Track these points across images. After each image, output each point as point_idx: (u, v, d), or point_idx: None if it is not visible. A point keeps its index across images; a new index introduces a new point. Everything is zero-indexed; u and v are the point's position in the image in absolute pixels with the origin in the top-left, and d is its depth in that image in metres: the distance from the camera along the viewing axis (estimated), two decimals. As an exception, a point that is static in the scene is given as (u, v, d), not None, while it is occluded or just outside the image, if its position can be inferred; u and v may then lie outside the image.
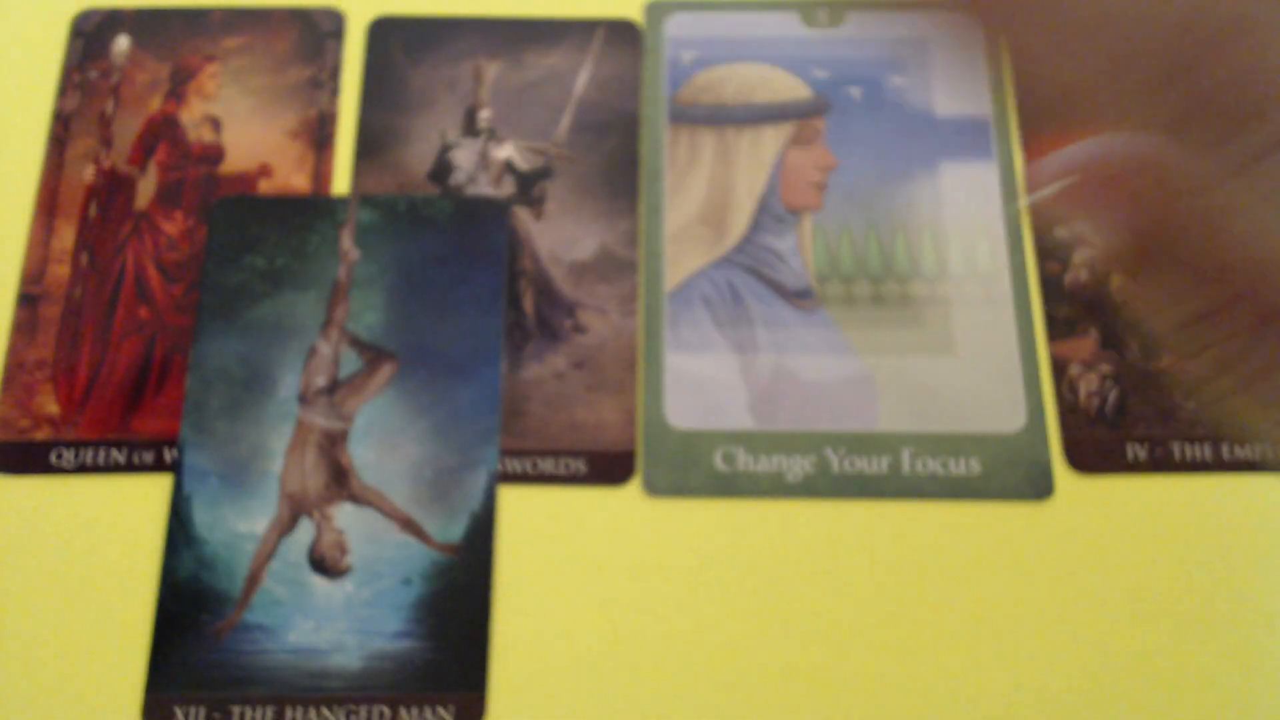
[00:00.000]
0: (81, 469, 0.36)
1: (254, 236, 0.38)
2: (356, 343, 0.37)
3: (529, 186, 0.40)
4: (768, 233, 0.39)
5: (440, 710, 0.33)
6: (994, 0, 0.19)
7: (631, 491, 0.36)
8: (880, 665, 0.33)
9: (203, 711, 0.33)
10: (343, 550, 0.35)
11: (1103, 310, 0.38)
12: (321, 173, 0.40)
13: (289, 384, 0.36)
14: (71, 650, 0.34)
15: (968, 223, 0.39)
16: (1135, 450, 0.36)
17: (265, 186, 0.40)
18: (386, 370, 0.36)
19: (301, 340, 0.37)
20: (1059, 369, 0.37)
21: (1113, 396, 0.37)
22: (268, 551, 0.34)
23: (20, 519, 0.35)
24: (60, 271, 0.39)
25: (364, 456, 0.36)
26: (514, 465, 0.36)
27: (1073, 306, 0.38)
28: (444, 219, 0.39)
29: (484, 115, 0.41)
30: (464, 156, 0.40)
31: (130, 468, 0.36)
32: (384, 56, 0.42)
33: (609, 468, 0.36)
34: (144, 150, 0.41)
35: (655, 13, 0.43)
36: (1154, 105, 0.18)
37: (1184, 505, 0.35)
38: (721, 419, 0.37)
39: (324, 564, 0.34)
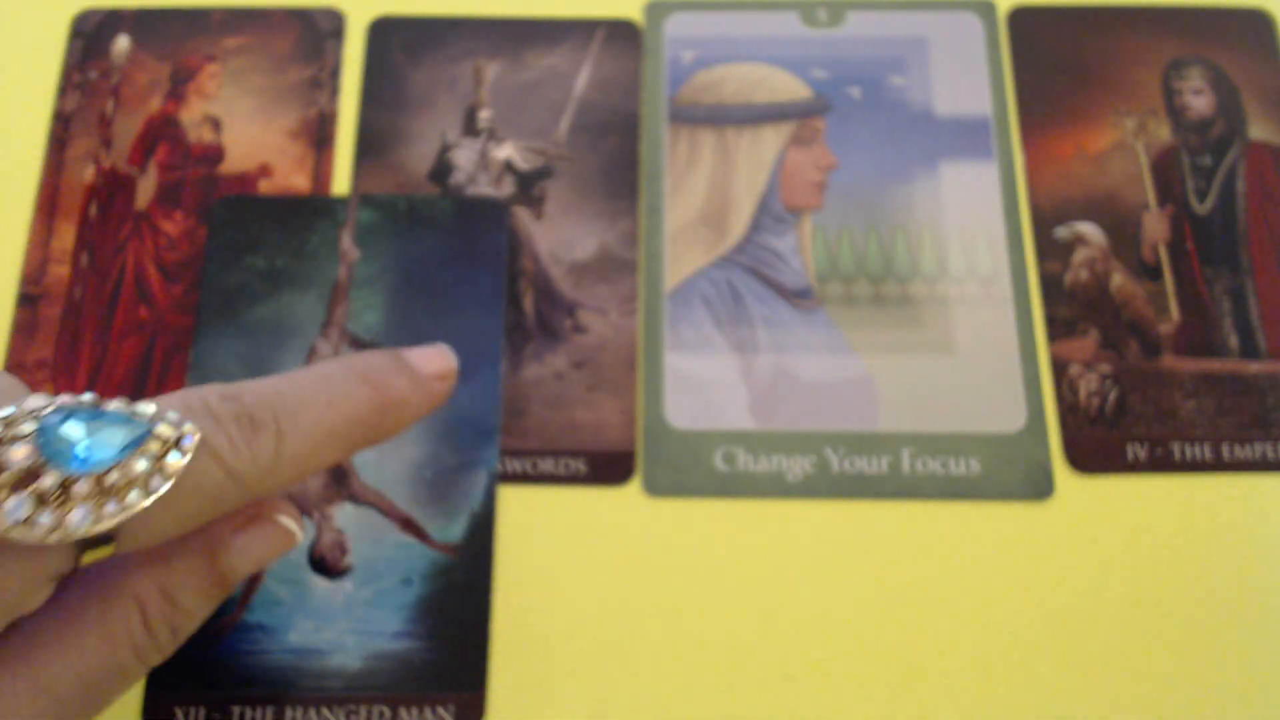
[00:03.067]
0: (81, 469, 0.36)
1: (254, 236, 0.38)
2: (357, 343, 0.37)
3: (529, 186, 0.40)
4: (768, 233, 0.39)
5: (440, 710, 0.33)
6: None
7: (631, 491, 0.36)
8: (880, 665, 0.33)
9: (203, 711, 0.33)
10: (343, 550, 0.35)
11: (1103, 310, 0.38)
12: (321, 173, 0.40)
13: (289, 384, 0.36)
14: (71, 650, 0.34)
15: (968, 223, 0.39)
16: (1135, 450, 0.36)
17: (265, 186, 0.40)
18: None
19: (302, 340, 0.37)
20: (1059, 369, 0.37)
21: (1113, 396, 0.37)
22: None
23: (20, 519, 0.35)
24: (60, 271, 0.39)
25: (364, 456, 0.36)
26: (514, 465, 0.36)
27: (1073, 306, 0.38)
28: (444, 219, 0.39)
29: (484, 115, 0.41)
30: (464, 156, 0.40)
31: (130, 468, 0.36)
32: (384, 56, 0.42)
33: (609, 468, 0.36)
34: (144, 150, 0.41)
35: (655, 13, 0.43)
36: None
37: (1184, 505, 0.35)
38: (721, 419, 0.37)
39: (324, 564, 0.34)
